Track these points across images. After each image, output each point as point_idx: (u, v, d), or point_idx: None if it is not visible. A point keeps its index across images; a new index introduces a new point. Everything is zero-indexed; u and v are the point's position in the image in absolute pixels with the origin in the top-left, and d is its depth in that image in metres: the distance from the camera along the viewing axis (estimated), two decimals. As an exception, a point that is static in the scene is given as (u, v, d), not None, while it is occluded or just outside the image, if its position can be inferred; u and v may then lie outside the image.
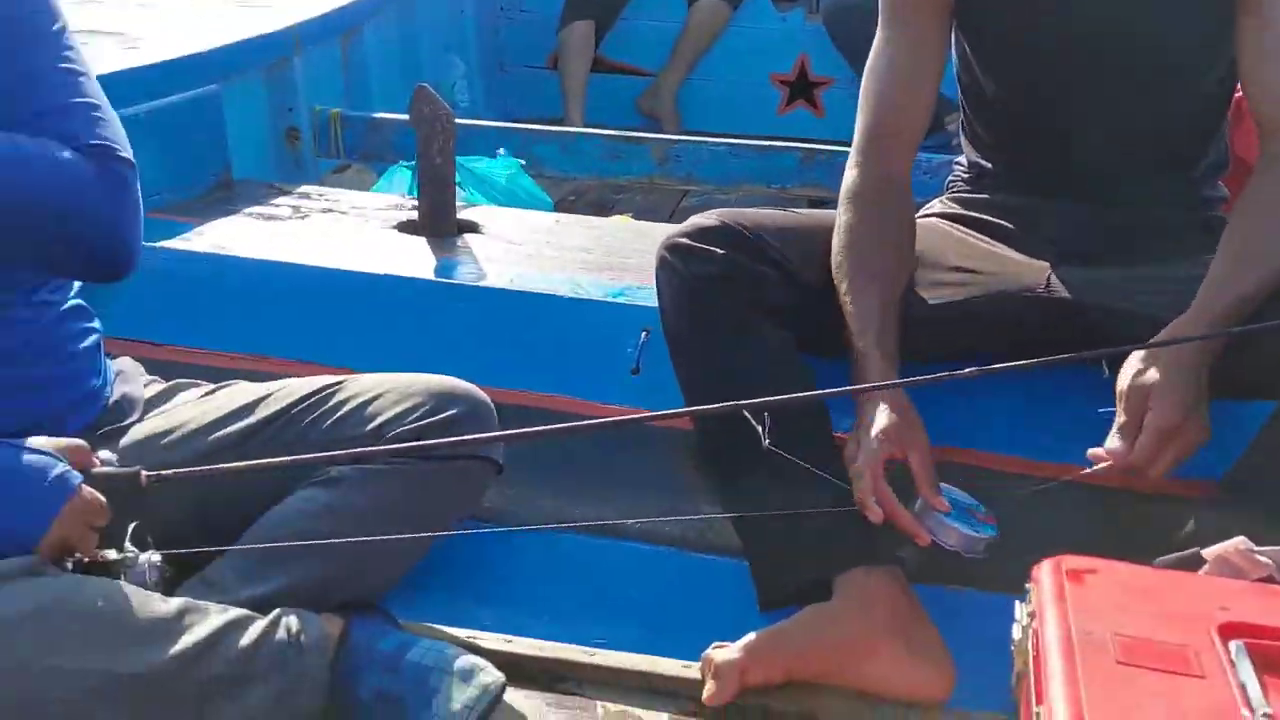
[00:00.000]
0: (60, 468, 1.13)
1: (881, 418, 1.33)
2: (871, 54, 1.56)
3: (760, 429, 1.21)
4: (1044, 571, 0.98)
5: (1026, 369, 1.22)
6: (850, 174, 1.52)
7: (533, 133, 2.71)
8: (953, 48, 1.59)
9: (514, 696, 1.27)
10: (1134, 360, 1.28)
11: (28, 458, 1.13)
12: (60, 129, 1.21)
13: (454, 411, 1.34)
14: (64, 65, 1.25)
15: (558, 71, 3.78)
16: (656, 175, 2.66)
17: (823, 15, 3.67)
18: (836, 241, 1.47)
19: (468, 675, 1.17)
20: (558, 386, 1.71)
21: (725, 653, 1.31)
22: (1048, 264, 1.50)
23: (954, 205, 1.65)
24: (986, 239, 1.57)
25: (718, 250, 1.44)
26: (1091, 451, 1.29)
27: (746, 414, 1.20)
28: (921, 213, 1.67)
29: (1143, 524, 1.41)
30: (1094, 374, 1.33)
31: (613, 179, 2.74)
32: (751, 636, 1.32)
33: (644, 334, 1.69)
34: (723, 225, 1.47)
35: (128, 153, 1.26)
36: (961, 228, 1.61)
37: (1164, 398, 1.25)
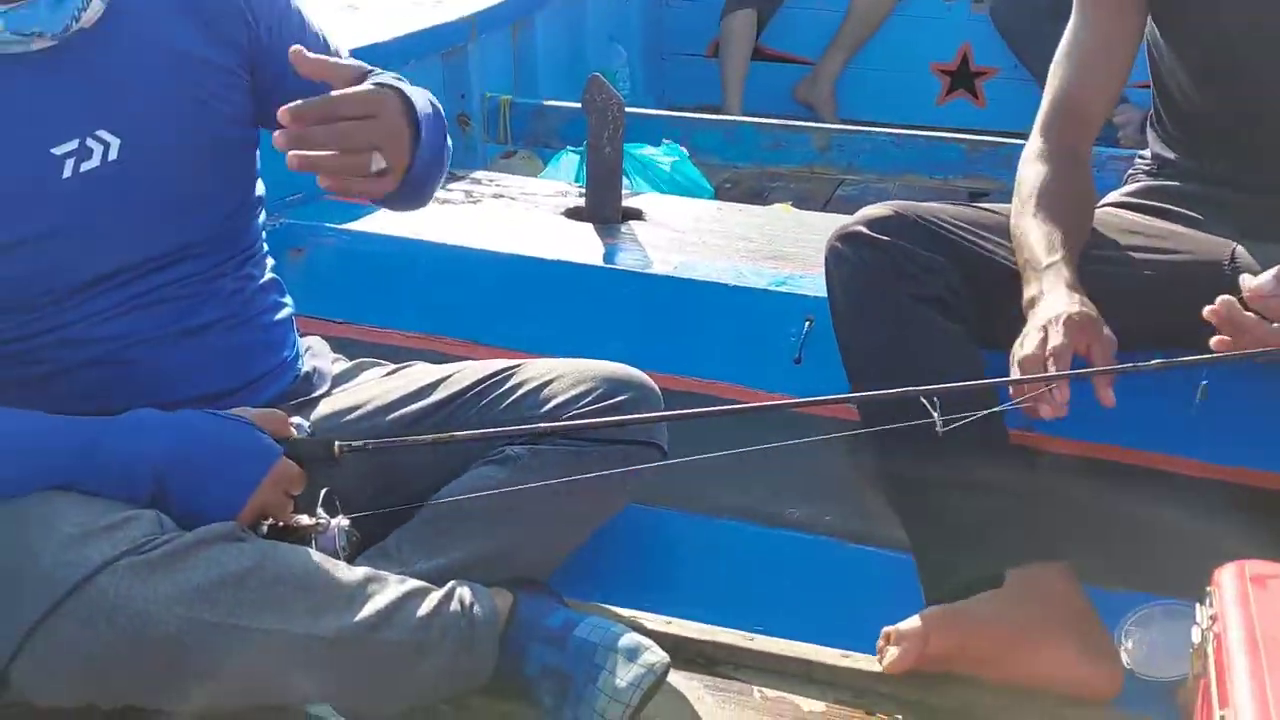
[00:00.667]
0: (264, 439, 1.21)
1: (1066, 305, 1.28)
2: (1065, 35, 1.56)
3: (935, 413, 1.21)
4: (1226, 575, 0.96)
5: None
6: (1034, 142, 1.53)
7: (695, 121, 2.73)
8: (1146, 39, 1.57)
9: (673, 678, 1.29)
10: None
11: (233, 429, 1.21)
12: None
13: (624, 397, 1.38)
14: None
15: (718, 59, 3.79)
16: (817, 164, 2.66)
17: (989, 4, 3.60)
18: (1017, 199, 1.47)
19: (633, 653, 1.20)
20: (720, 373, 1.74)
21: (909, 622, 1.31)
22: (1232, 241, 1.46)
23: (1132, 196, 1.61)
24: (1167, 222, 1.54)
25: (891, 240, 1.45)
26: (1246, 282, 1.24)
27: (923, 399, 1.20)
28: (1098, 204, 1.63)
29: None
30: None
31: (772, 167, 2.74)
32: (928, 610, 1.33)
33: (807, 323, 1.70)
34: (896, 215, 1.47)
35: None
36: (1140, 215, 1.57)
37: None
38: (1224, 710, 0.81)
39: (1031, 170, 1.50)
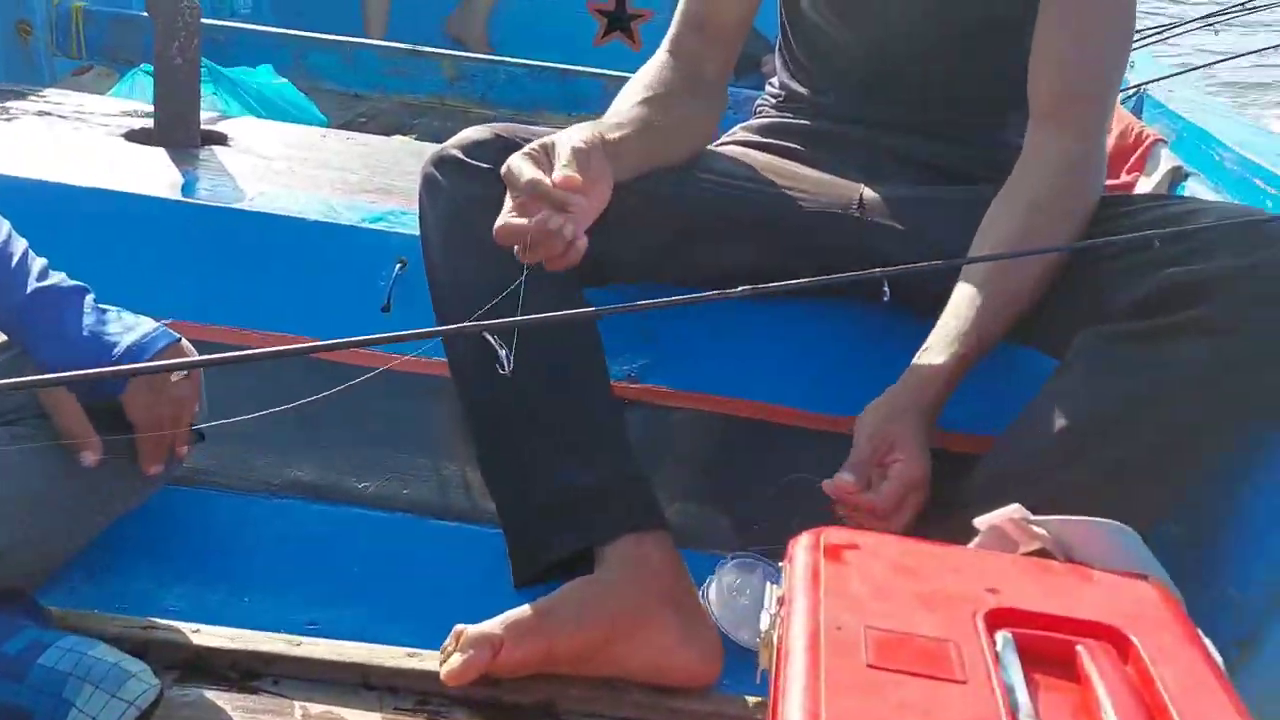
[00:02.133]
0: None
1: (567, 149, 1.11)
2: None
3: (504, 353, 1.02)
4: (800, 548, 0.83)
5: (806, 288, 1.05)
6: (658, 55, 1.39)
7: (309, 41, 2.43)
8: None
9: (193, 698, 1.05)
10: (881, 402, 1.16)
11: None
12: None
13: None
14: None
15: (358, -16, 3.49)
16: (448, 95, 2.43)
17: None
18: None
19: (112, 683, 0.94)
20: (299, 325, 1.48)
21: (481, 626, 1.12)
22: (859, 184, 1.38)
23: (758, 134, 1.50)
24: (794, 163, 1.44)
25: (492, 167, 1.25)
26: (829, 485, 1.13)
27: (487, 335, 1.00)
28: (721, 140, 1.52)
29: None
30: (873, 311, 1.18)
31: (399, 96, 2.48)
32: (512, 612, 1.14)
33: (399, 265, 1.48)
34: (498, 138, 1.28)
35: None
36: (766, 154, 1.46)
37: (912, 446, 1.12)
38: (772, 724, 0.66)
39: (636, 77, 1.36)
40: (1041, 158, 1.24)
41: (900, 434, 1.13)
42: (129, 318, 1.14)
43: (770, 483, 1.35)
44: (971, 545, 0.92)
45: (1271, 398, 1.11)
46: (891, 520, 1.12)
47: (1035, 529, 0.88)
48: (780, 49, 1.52)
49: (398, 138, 2.18)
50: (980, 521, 0.91)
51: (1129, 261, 1.12)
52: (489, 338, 1.00)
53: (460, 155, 1.27)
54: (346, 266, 1.52)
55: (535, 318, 0.94)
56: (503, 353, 0.99)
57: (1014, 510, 0.89)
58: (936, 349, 1.17)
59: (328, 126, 2.25)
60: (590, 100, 2.43)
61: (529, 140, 1.29)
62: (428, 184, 1.30)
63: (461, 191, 1.26)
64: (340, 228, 1.54)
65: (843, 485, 1.11)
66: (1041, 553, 0.89)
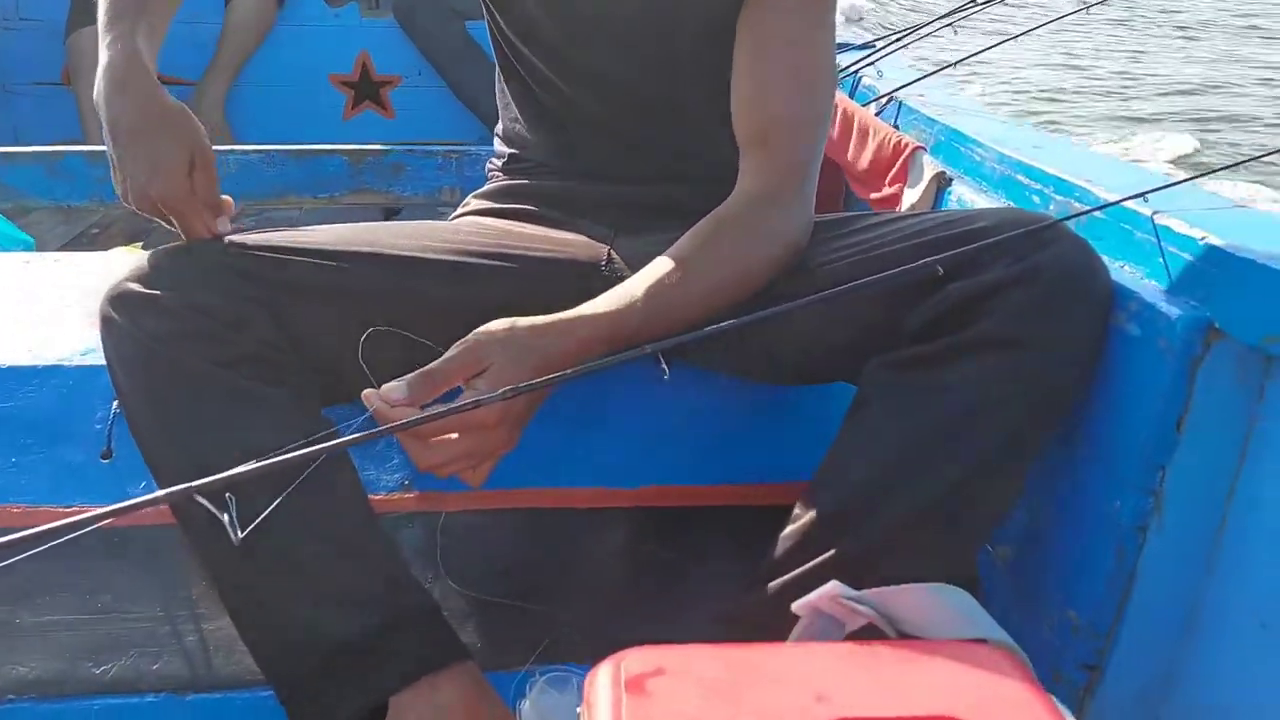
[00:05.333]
0: None
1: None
2: None
3: (227, 518, 0.87)
4: (598, 684, 0.70)
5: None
6: None
7: (3, 155, 2.17)
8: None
9: None
10: (500, 328, 1.02)
11: None
12: None
13: None
14: None
15: (72, 87, 3.21)
16: (178, 194, 2.21)
17: (394, 9, 3.33)
18: None
19: None
20: (7, 491, 1.26)
21: None
22: (606, 242, 1.29)
23: (490, 200, 1.38)
24: (535, 227, 1.32)
25: (178, 295, 1.07)
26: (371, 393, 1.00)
27: (198, 497, 0.82)
28: (456, 213, 1.41)
29: (729, 537, 1.18)
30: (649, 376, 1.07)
31: (119, 203, 2.24)
32: None
33: (116, 404, 1.28)
34: (185, 260, 1.11)
35: None
36: (506, 220, 1.34)
37: (506, 374, 0.98)
38: None
39: None
40: (739, 187, 1.18)
41: (501, 361, 0.99)
42: None
43: (571, 578, 1.22)
44: (794, 633, 0.81)
45: (1066, 402, 1.05)
46: (439, 451, 1.00)
47: (857, 606, 0.77)
48: (504, 110, 1.41)
49: (117, 250, 1.95)
50: (799, 606, 0.81)
51: (910, 282, 1.04)
52: (201, 501, 0.82)
53: (138, 288, 1.09)
54: (55, 413, 1.31)
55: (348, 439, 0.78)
56: (224, 517, 0.83)
57: (832, 588, 0.79)
58: (591, 309, 1.06)
59: (34, 250, 2.00)
60: (335, 181, 2.26)
61: (227, 254, 1.12)
62: (106, 326, 1.10)
63: (145, 329, 1.07)
64: (41, 369, 1.33)
65: (389, 395, 0.97)
66: (869, 630, 0.79)
